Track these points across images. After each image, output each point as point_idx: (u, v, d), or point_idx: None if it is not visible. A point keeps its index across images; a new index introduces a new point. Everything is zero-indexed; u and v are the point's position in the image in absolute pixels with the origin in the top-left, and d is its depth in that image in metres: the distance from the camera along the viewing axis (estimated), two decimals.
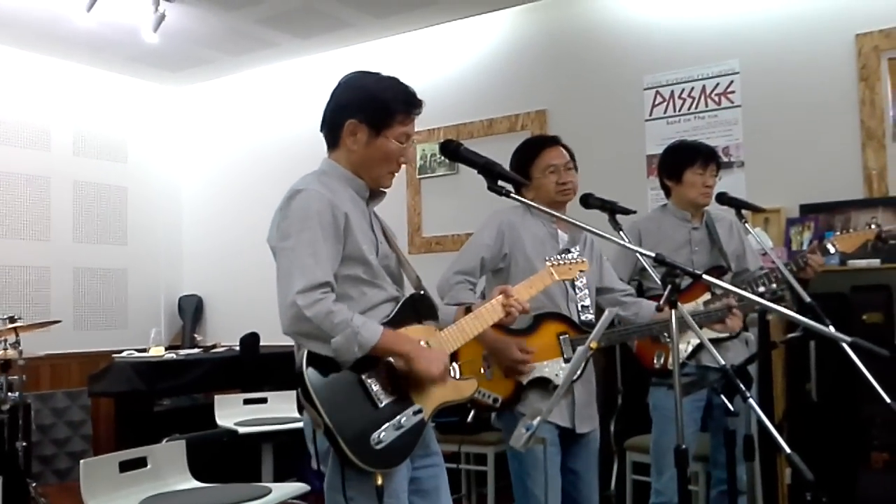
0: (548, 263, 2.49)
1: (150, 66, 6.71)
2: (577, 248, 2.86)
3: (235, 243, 6.89)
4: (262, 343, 5.73)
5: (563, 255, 2.54)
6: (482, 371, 2.66)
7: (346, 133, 2.12)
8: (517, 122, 5.54)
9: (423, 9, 5.57)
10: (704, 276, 2.04)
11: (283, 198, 2.05)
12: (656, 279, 2.87)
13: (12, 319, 4.63)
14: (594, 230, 2.13)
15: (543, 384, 2.68)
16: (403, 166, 2.22)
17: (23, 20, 5.61)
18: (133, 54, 6.34)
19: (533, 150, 2.90)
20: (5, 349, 4.61)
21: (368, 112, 2.09)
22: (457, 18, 5.77)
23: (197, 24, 5.75)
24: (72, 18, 5.42)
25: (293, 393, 4.79)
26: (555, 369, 2.69)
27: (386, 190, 2.24)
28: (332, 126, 2.16)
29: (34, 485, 4.44)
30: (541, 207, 2.38)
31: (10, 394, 4.42)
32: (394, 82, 2.15)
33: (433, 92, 5.47)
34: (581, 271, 2.55)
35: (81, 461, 2.61)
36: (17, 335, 4.61)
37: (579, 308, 2.80)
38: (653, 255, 2.06)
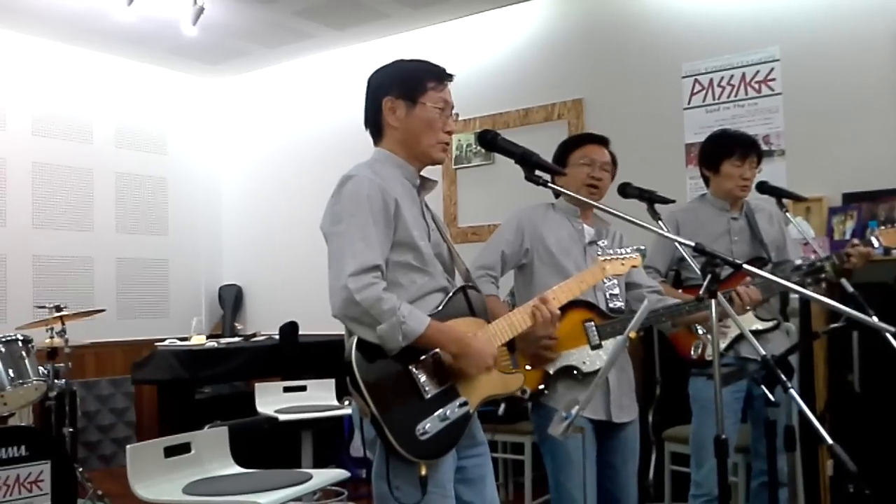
0: (600, 258, 2.48)
1: (189, 59, 6.79)
2: (604, 241, 2.85)
3: (274, 233, 6.97)
4: (300, 332, 5.80)
5: (615, 250, 2.53)
6: (508, 363, 2.65)
7: (386, 113, 2.15)
8: (553, 112, 5.52)
9: None
10: (745, 266, 2.03)
11: (336, 184, 2.08)
12: (696, 269, 2.84)
13: (58, 308, 4.73)
14: (627, 217, 2.11)
15: (570, 373, 2.67)
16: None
17: (65, 14, 5.71)
18: (172, 47, 6.42)
19: (577, 141, 2.90)
20: (52, 337, 4.71)
21: (399, 85, 2.14)
22: (492, 8, 5.76)
23: (234, 16, 5.81)
24: (113, 12, 5.51)
25: (332, 381, 4.87)
26: (581, 357, 2.68)
27: (436, 180, 2.26)
28: (373, 113, 2.20)
29: (80, 469, 4.54)
30: (573, 193, 2.38)
31: (56, 381, 4.51)
32: (419, 59, 2.22)
33: (469, 82, 5.50)
34: (634, 266, 2.53)
35: (128, 446, 2.67)
36: (62, 324, 4.71)
37: (607, 296, 2.78)
38: (692, 244, 2.05)
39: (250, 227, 7.24)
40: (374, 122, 2.21)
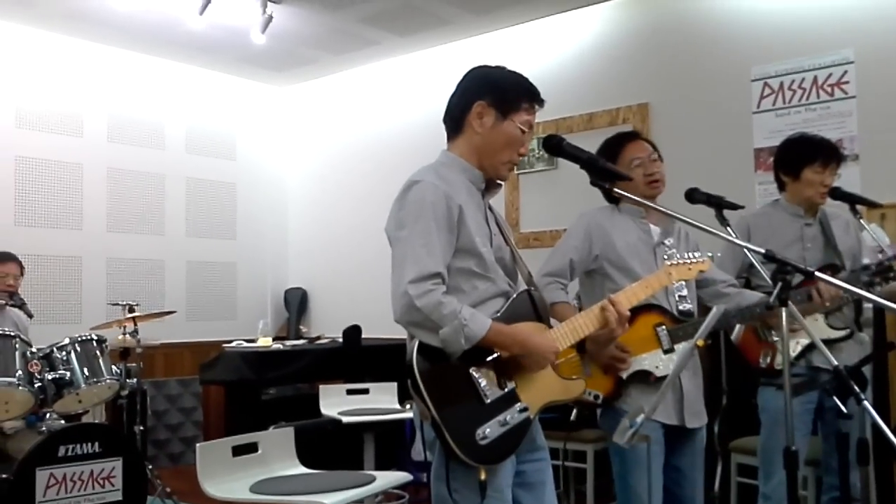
0: (667, 263, 2.46)
1: (258, 67, 6.94)
2: (671, 239, 2.81)
3: (339, 238, 7.06)
4: (363, 335, 5.85)
5: (683, 254, 2.50)
6: (578, 366, 2.63)
7: (474, 115, 2.15)
8: (618, 116, 5.46)
9: (523, 4, 5.57)
10: (817, 274, 1.98)
11: (401, 189, 2.09)
12: (766, 276, 2.79)
13: (131, 309, 4.86)
14: (696, 223, 2.08)
15: (643, 377, 2.65)
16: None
17: (139, 24, 5.89)
18: (241, 55, 6.57)
19: (614, 146, 2.86)
20: (125, 336, 4.85)
21: (497, 95, 2.14)
22: (556, 12, 5.73)
23: (301, 24, 5.91)
24: (185, 21, 5.66)
25: (394, 385, 4.90)
26: (654, 361, 2.66)
27: (502, 182, 2.25)
28: (459, 110, 2.18)
29: (150, 467, 4.65)
30: (637, 199, 2.36)
31: (128, 380, 4.62)
32: (520, 75, 2.22)
33: None
34: (701, 271, 2.50)
35: (198, 445, 2.73)
36: (135, 324, 4.84)
37: (676, 299, 2.75)
38: (762, 250, 2.01)
39: (316, 231, 7.35)
40: (457, 119, 2.20)
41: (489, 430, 1.96)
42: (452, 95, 2.22)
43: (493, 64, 2.26)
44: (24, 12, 5.69)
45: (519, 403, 2.03)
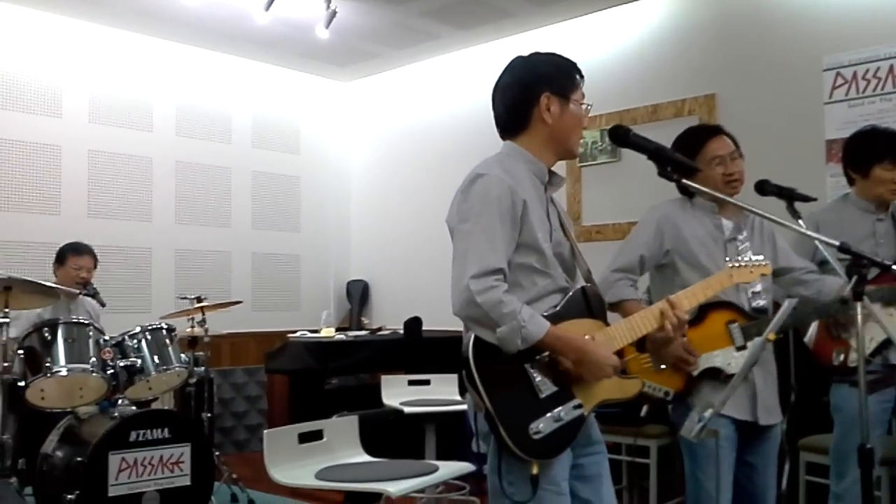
0: (728, 265, 2.42)
1: (322, 62, 7.02)
2: (745, 233, 2.75)
3: (400, 231, 7.11)
4: (424, 327, 5.89)
5: (745, 258, 2.46)
6: (650, 365, 2.60)
7: (542, 109, 2.13)
8: (684, 108, 5.36)
9: None
10: (894, 267, 1.92)
11: (465, 180, 2.08)
12: (839, 271, 2.71)
13: (199, 299, 4.97)
14: (768, 215, 2.05)
15: (715, 374, 2.61)
16: None
17: (207, 21, 6.02)
18: (306, 51, 6.65)
19: (696, 141, 2.78)
20: (193, 327, 4.96)
21: (555, 82, 2.14)
22: (620, 3, 5.66)
23: (364, 19, 5.96)
24: (251, 17, 5.75)
25: (455, 376, 4.90)
26: (726, 358, 2.62)
27: (563, 177, 2.25)
28: (523, 107, 2.16)
29: (217, 453, 4.76)
30: (709, 191, 2.32)
31: (196, 368, 4.74)
32: (555, 54, 2.23)
33: (595, 78, 5.34)
34: (763, 274, 2.46)
35: (265, 431, 2.78)
36: (203, 314, 4.95)
37: (749, 295, 2.70)
38: (837, 243, 1.96)
39: (378, 224, 7.42)
40: (521, 114, 2.17)
41: (542, 426, 1.95)
42: (505, 95, 2.19)
43: (525, 54, 2.25)
44: (96, 10, 5.86)
45: (574, 400, 2.02)
